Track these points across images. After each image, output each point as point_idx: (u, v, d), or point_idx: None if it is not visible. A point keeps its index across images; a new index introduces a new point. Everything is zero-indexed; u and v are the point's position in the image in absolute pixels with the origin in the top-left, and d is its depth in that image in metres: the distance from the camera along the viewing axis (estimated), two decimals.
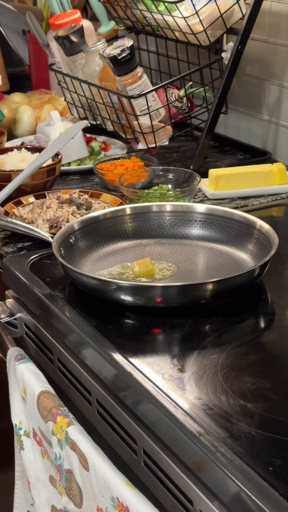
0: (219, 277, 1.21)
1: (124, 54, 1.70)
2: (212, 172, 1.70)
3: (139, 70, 1.75)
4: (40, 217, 1.52)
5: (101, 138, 2.04)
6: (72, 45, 1.92)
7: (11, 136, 2.11)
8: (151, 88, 1.77)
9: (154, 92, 1.78)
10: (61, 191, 1.64)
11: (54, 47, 2.05)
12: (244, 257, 1.31)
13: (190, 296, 1.16)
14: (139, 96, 1.74)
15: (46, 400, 1.12)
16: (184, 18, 1.75)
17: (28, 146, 1.85)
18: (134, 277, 1.26)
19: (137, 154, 1.82)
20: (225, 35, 1.87)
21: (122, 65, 1.72)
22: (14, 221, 1.45)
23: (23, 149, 1.83)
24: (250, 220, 1.34)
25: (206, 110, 1.92)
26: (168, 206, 1.43)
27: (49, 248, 1.31)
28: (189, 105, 1.96)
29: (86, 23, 2.00)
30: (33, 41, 2.34)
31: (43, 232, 1.40)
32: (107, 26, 2.18)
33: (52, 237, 1.35)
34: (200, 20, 1.74)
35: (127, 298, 1.16)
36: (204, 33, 1.77)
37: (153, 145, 1.80)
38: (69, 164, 1.89)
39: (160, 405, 0.94)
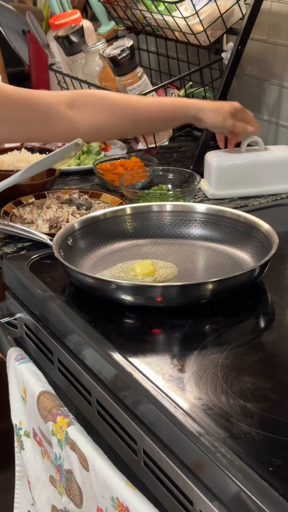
0: (219, 277, 1.21)
1: (124, 54, 1.70)
2: None
3: (139, 70, 1.75)
4: (40, 217, 1.52)
5: None
6: (72, 45, 1.92)
7: None
8: (151, 88, 1.77)
9: (154, 92, 1.78)
10: (61, 191, 1.64)
11: (54, 47, 2.05)
12: (244, 257, 1.31)
13: (190, 296, 1.16)
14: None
15: (46, 400, 1.12)
16: (184, 18, 1.75)
17: (28, 146, 1.86)
18: (134, 277, 1.26)
19: (137, 154, 1.82)
20: (225, 35, 1.87)
21: (122, 65, 1.72)
22: (12, 224, 1.44)
23: (23, 149, 1.83)
24: (250, 220, 1.34)
25: None
26: (168, 206, 1.42)
27: (49, 248, 1.31)
28: None
29: (86, 23, 2.00)
30: (33, 41, 2.34)
31: (41, 235, 1.39)
32: (107, 26, 2.18)
33: (50, 240, 1.34)
34: (200, 20, 1.74)
35: (127, 298, 1.16)
36: (204, 33, 1.77)
37: (153, 145, 1.80)
38: (69, 164, 1.89)
39: (160, 405, 0.94)
